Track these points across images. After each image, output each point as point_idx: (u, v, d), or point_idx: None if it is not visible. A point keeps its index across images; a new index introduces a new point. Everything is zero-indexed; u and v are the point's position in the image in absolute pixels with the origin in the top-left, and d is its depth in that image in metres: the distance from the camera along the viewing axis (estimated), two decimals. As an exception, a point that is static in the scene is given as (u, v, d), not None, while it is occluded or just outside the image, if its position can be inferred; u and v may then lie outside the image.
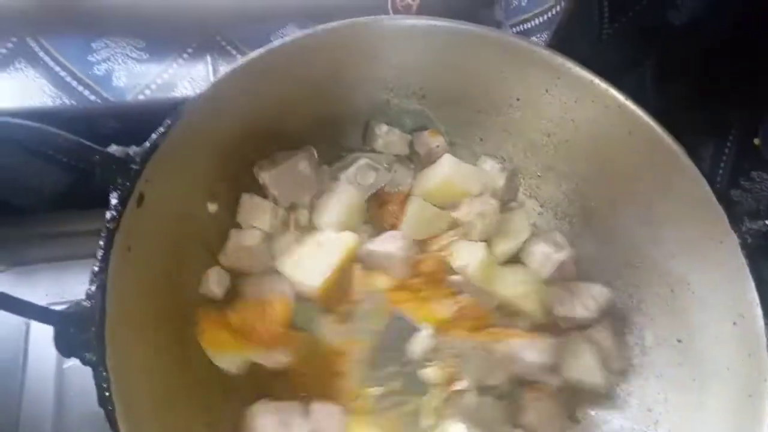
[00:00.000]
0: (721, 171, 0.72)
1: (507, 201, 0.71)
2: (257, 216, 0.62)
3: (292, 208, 0.64)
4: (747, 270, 0.53)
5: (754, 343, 0.51)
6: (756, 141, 0.68)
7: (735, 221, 0.54)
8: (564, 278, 0.67)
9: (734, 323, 0.53)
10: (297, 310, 0.60)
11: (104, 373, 0.40)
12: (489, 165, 0.70)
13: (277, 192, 0.63)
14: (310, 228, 0.64)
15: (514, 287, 0.65)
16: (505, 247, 0.67)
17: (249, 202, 0.62)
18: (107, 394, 0.40)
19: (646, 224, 0.61)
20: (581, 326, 0.64)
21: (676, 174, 0.57)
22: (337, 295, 0.61)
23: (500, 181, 0.69)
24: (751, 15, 0.65)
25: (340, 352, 0.60)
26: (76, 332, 0.40)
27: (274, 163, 0.63)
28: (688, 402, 0.55)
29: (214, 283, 0.59)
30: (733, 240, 0.54)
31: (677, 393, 0.57)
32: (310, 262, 0.60)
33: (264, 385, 0.58)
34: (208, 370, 0.56)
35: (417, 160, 0.70)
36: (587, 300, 0.64)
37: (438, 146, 0.69)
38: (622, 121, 0.59)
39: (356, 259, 0.62)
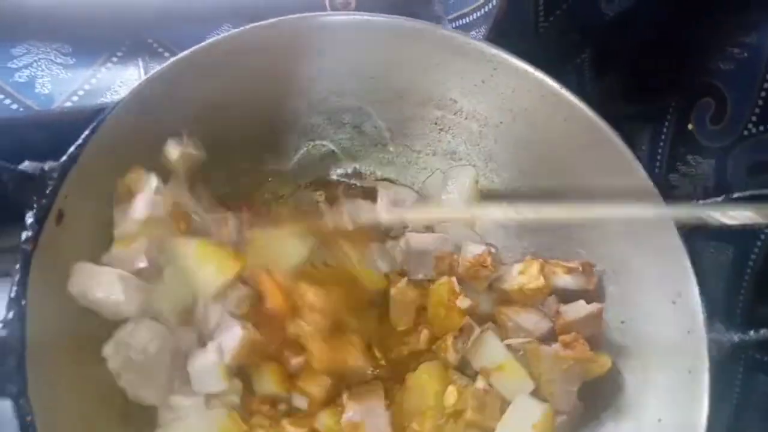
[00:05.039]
0: (659, 157, 0.74)
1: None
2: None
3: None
4: (684, 250, 0.54)
5: (693, 321, 0.52)
6: (690, 126, 0.70)
7: (671, 204, 0.55)
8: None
9: (673, 302, 0.54)
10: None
11: (26, 405, 0.37)
12: None
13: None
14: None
15: None
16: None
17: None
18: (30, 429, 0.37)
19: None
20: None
21: (613, 159, 0.58)
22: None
23: None
24: (682, 3, 0.66)
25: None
26: (-8, 364, 0.38)
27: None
28: (632, 381, 0.56)
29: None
30: (670, 222, 0.55)
31: (622, 373, 0.58)
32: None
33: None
34: (137, 406, 0.52)
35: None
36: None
37: None
38: (558, 109, 0.60)
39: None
